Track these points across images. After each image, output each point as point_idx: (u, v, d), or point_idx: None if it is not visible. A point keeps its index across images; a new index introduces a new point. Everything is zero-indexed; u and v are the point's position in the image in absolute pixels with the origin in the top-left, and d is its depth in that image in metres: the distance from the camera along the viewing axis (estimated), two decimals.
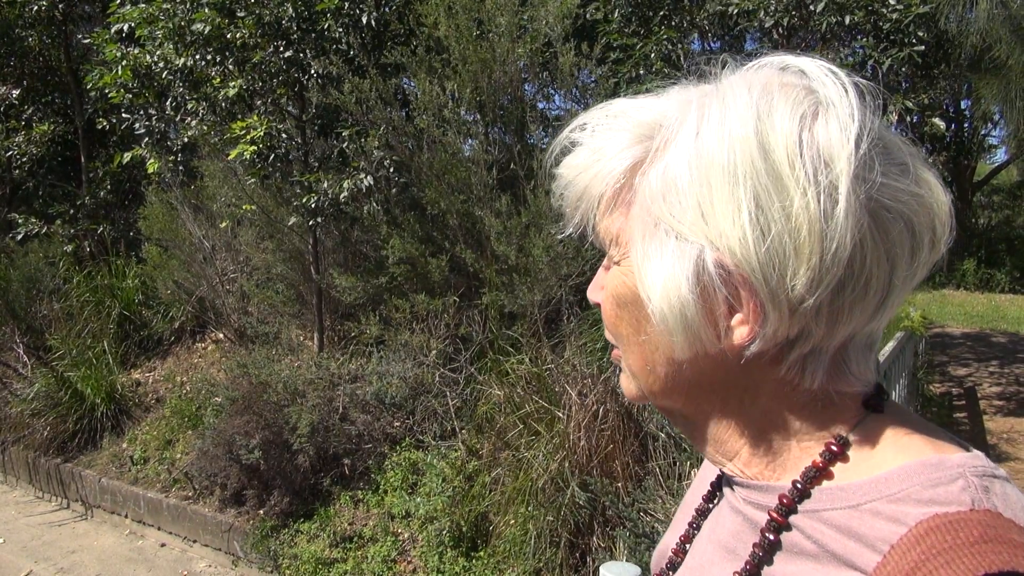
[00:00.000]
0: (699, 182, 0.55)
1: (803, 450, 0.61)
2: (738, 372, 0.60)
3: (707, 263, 0.55)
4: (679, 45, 4.76)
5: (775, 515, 0.60)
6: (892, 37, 4.22)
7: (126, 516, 5.68)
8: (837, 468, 0.59)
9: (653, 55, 4.65)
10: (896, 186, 0.55)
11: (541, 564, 3.60)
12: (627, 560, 3.29)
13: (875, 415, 0.61)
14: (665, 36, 4.66)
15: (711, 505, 0.74)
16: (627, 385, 0.68)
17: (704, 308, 0.57)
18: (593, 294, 0.70)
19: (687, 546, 0.75)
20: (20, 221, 7.58)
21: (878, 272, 0.55)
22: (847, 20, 4.28)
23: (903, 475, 0.55)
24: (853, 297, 0.55)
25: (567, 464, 3.65)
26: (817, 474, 0.59)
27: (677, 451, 3.47)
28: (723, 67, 0.62)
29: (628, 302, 0.63)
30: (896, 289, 0.56)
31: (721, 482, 0.72)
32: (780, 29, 4.57)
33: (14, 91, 7.56)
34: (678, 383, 0.63)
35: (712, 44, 5.46)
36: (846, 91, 0.55)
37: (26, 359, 6.84)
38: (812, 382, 0.59)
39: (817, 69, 0.57)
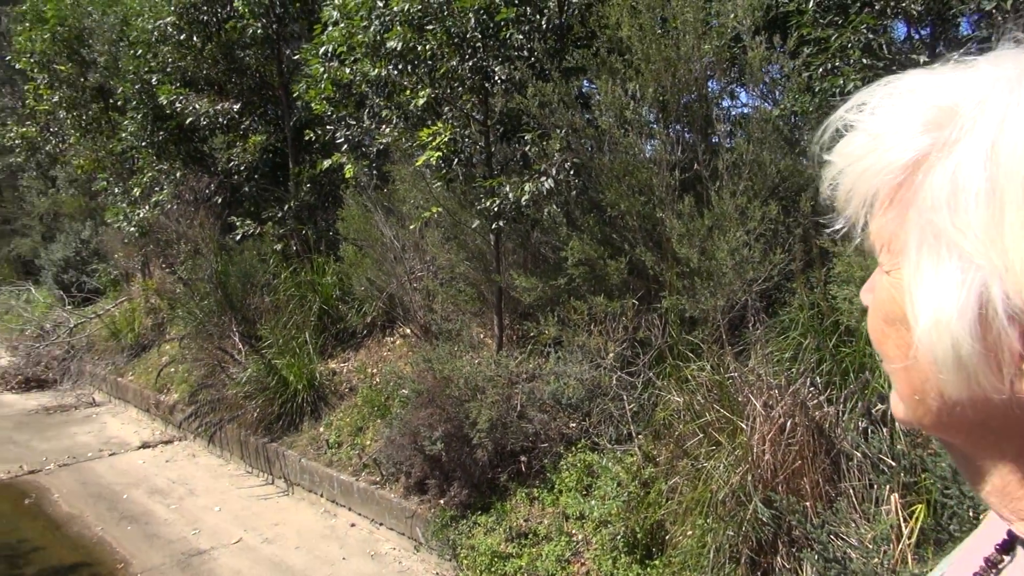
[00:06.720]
0: (993, 192, 0.45)
1: None
2: None
3: (993, 296, 0.45)
4: (881, 33, 4.38)
5: None
6: None
7: (321, 495, 6.15)
8: None
9: (850, 46, 4.33)
10: None
11: None
12: None
13: None
14: (863, 23, 4.32)
15: (1006, 558, 0.64)
16: (896, 407, 0.60)
17: (984, 348, 0.47)
18: (865, 295, 0.61)
19: None
20: (238, 223, 8.44)
21: None
22: None
23: None
24: None
25: (750, 478, 3.49)
26: None
27: (874, 473, 3.21)
28: None
29: (896, 321, 0.54)
30: None
31: (1015, 536, 0.62)
32: (1004, 10, 4.08)
33: (235, 106, 8.39)
34: (953, 421, 0.53)
35: (920, 31, 4.97)
36: None
37: (241, 346, 7.60)
38: None
39: None
